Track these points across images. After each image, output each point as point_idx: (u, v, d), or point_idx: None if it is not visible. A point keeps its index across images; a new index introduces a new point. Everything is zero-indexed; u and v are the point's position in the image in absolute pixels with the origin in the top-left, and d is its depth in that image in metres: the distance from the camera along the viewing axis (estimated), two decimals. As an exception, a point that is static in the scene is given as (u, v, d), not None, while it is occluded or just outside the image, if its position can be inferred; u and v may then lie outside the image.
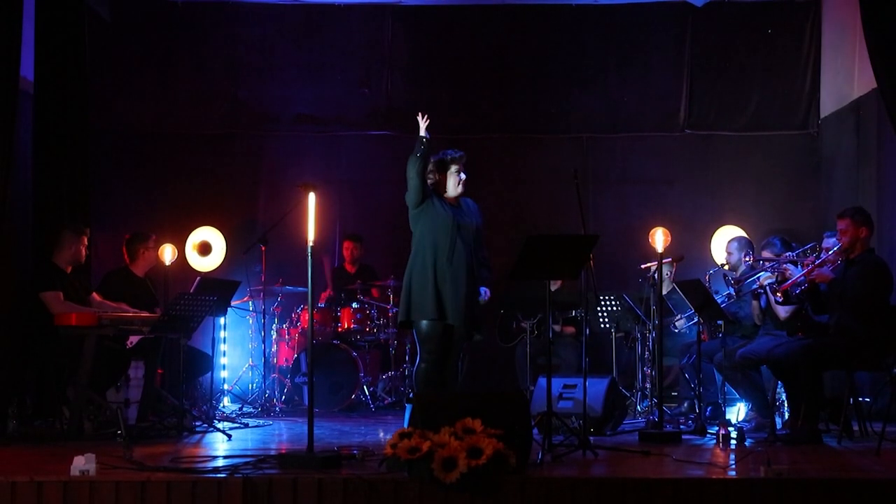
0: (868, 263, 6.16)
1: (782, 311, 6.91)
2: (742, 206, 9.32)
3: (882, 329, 6.03)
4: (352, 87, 9.61)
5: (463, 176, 5.99)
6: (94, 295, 7.01)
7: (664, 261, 6.87)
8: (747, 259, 7.55)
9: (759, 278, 7.03)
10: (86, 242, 6.96)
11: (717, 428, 6.06)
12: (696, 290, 6.98)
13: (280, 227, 8.14)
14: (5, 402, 6.37)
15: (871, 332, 6.00)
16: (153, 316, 6.65)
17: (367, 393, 8.31)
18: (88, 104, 7.88)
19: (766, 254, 7.30)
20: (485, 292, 5.98)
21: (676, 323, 8.01)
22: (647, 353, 7.88)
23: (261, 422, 7.29)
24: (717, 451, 5.64)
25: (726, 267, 7.85)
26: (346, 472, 4.52)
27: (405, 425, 5.03)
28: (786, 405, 6.94)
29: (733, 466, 5.01)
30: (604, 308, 7.95)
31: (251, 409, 8.07)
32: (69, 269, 6.88)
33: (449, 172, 5.97)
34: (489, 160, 9.51)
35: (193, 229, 9.22)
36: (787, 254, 6.76)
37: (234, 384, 8.66)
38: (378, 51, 9.60)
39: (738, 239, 7.94)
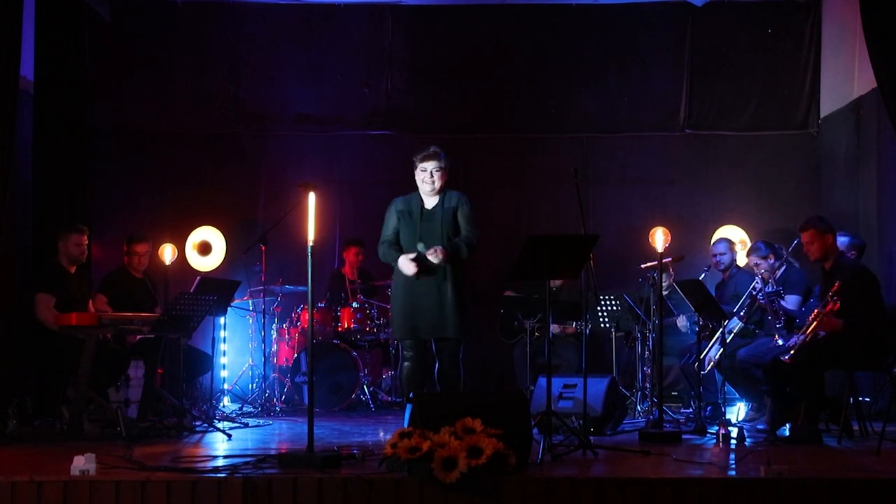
0: (850, 273, 6.15)
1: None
2: (742, 205, 9.33)
3: (880, 328, 6.05)
4: (352, 87, 9.60)
5: (430, 176, 5.96)
6: (100, 298, 7.02)
7: (664, 260, 6.87)
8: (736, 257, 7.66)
9: (753, 290, 7.05)
10: (85, 241, 6.96)
11: (717, 428, 6.06)
12: (696, 290, 6.99)
13: (280, 226, 8.15)
14: (5, 402, 6.38)
15: (872, 331, 6.02)
16: (153, 316, 6.65)
17: (367, 393, 8.31)
18: (88, 104, 7.88)
19: (752, 258, 7.37)
20: (434, 250, 5.86)
21: (679, 325, 8.03)
22: (647, 352, 7.88)
23: (261, 421, 7.28)
24: (717, 451, 5.64)
25: (716, 268, 7.92)
26: (346, 472, 4.52)
27: (405, 425, 5.03)
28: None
29: (733, 466, 5.01)
30: (604, 308, 7.95)
31: (251, 409, 8.07)
32: (73, 269, 6.89)
33: (416, 171, 6.02)
34: (489, 160, 9.52)
35: (193, 229, 9.22)
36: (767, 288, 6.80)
37: (234, 384, 8.66)
38: (378, 51, 9.60)
39: (725, 240, 8.09)
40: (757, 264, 7.31)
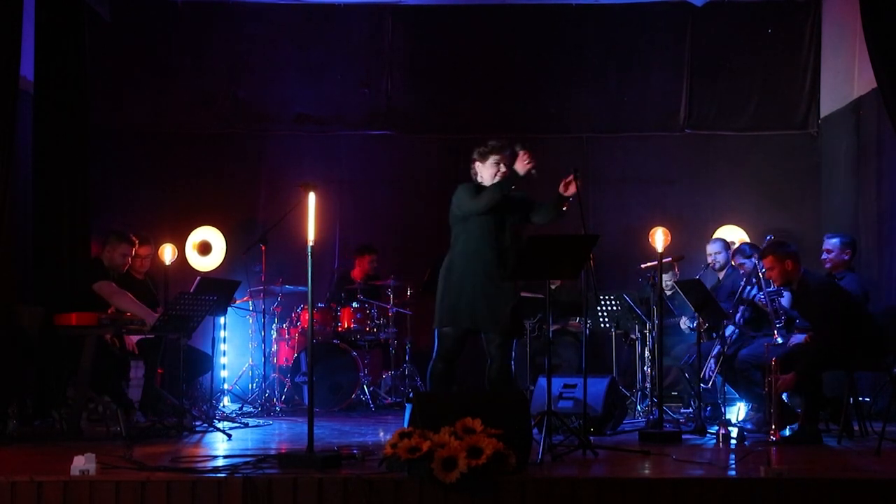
0: (814, 294, 6.21)
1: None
2: (742, 206, 9.33)
3: (873, 330, 6.08)
4: (352, 87, 9.61)
5: (503, 168, 5.75)
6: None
7: (664, 260, 6.88)
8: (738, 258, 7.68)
9: (744, 293, 7.09)
10: (132, 253, 6.94)
11: (717, 428, 6.06)
12: (696, 290, 6.99)
13: (280, 226, 8.14)
14: (5, 402, 6.37)
15: (859, 334, 6.07)
16: (153, 316, 6.64)
17: (367, 393, 8.31)
18: (88, 104, 7.87)
19: (737, 259, 7.52)
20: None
21: (682, 325, 8.05)
22: (647, 352, 7.87)
23: (261, 421, 7.28)
24: (717, 451, 5.64)
25: (711, 268, 7.95)
26: (346, 472, 4.52)
27: (405, 425, 5.03)
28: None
29: (733, 466, 5.01)
30: (604, 308, 7.95)
31: (251, 409, 8.07)
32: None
33: (488, 163, 5.81)
34: (489, 160, 9.51)
35: (193, 229, 9.23)
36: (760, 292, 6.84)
37: (234, 384, 8.66)
38: (378, 51, 9.60)
39: (720, 240, 8.15)
40: (741, 264, 7.41)
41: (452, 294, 5.74)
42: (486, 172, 5.81)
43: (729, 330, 7.15)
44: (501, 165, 5.78)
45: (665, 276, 7.71)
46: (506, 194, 5.68)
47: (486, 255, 5.70)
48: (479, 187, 5.80)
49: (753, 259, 7.21)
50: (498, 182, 5.72)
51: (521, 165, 5.64)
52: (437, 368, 5.80)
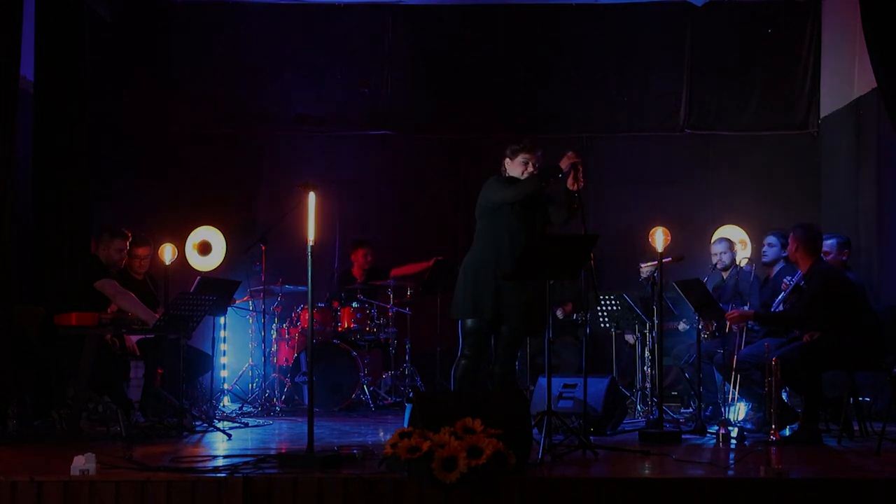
0: (815, 281, 6.26)
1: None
2: (742, 205, 9.32)
3: (870, 331, 6.08)
4: (352, 87, 9.62)
5: (531, 167, 5.83)
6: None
7: (665, 260, 6.87)
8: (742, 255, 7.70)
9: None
10: (126, 247, 6.94)
11: (717, 428, 6.06)
12: (696, 290, 6.98)
13: (280, 226, 8.15)
14: (5, 402, 6.37)
15: (855, 337, 6.07)
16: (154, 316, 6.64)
17: (367, 393, 8.31)
18: (88, 104, 7.87)
19: (769, 237, 7.50)
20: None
21: (680, 328, 8.05)
22: (647, 352, 7.87)
23: (261, 421, 7.29)
24: (717, 451, 5.64)
25: (719, 267, 7.95)
26: (346, 472, 4.52)
27: (405, 425, 5.03)
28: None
29: (733, 466, 5.02)
30: (604, 308, 7.95)
31: (251, 409, 8.08)
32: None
33: (517, 160, 5.87)
34: (489, 160, 9.46)
35: (193, 229, 9.23)
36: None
37: (234, 384, 8.66)
38: (378, 51, 9.61)
39: (725, 239, 8.16)
40: (771, 243, 7.44)
41: (476, 285, 5.73)
42: (516, 170, 5.89)
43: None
44: (530, 164, 5.85)
45: (646, 269, 7.67)
46: (543, 184, 5.72)
47: (513, 250, 5.68)
48: (511, 179, 5.86)
49: (783, 253, 7.27)
50: (537, 173, 5.78)
51: (566, 161, 5.73)
52: (462, 367, 5.78)
